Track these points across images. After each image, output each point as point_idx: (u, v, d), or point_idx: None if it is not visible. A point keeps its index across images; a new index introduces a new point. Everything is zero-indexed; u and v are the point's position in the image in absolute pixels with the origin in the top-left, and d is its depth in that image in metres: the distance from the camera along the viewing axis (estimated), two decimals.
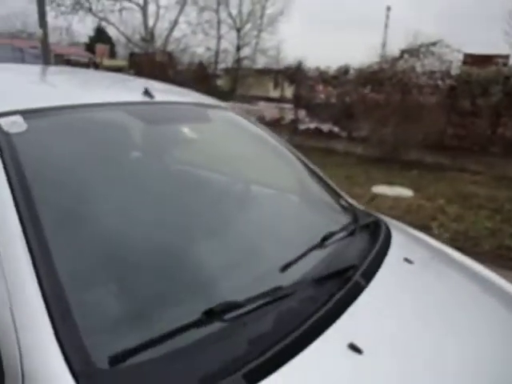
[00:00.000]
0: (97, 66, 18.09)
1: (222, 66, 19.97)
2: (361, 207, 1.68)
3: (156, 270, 0.86)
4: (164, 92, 1.51)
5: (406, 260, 1.22)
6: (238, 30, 19.89)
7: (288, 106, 10.64)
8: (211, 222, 1.14)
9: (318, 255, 1.12)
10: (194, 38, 19.11)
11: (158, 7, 18.16)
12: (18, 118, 0.94)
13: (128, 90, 1.35)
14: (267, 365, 0.71)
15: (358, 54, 13.05)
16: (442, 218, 4.53)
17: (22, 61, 13.63)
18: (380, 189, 5.73)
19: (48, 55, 10.39)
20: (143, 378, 0.66)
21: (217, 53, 19.46)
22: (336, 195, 1.64)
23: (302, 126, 9.90)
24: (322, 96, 9.53)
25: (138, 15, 18.00)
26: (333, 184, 1.72)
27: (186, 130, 1.32)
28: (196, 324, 0.75)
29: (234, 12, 19.33)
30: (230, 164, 1.50)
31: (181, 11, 18.09)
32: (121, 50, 25.16)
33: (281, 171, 1.68)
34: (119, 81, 1.44)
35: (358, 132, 8.53)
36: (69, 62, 17.33)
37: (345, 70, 8.75)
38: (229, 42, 19.38)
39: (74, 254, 0.78)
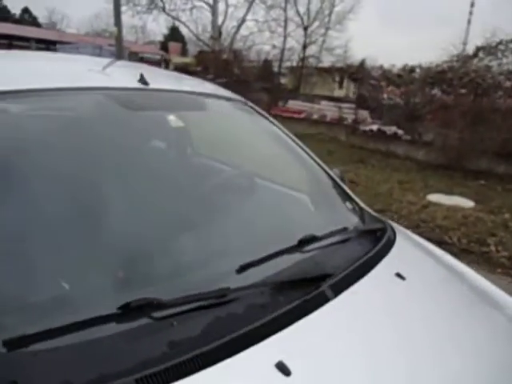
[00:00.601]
0: (167, 64, 18.98)
1: (287, 64, 19.92)
2: (372, 212, 1.51)
3: (82, 258, 0.81)
4: (164, 81, 1.47)
5: (398, 275, 1.06)
6: (305, 28, 19.67)
7: (351, 105, 10.26)
8: (178, 211, 1.06)
9: (292, 259, 1.00)
10: (261, 35, 19.27)
11: (227, 5, 18.58)
12: None
13: (125, 76, 1.33)
14: (168, 373, 0.63)
15: (433, 52, 12.17)
16: (503, 235, 4.03)
17: (100, 54, 14.76)
18: (436, 197, 5.28)
19: (121, 52, 11.09)
20: (38, 366, 0.62)
21: (282, 51, 19.42)
22: (343, 197, 1.49)
23: (364, 127, 9.48)
24: (385, 96, 9.04)
25: (208, 14, 18.58)
26: (342, 184, 1.57)
27: (171, 117, 1.27)
28: (107, 318, 0.69)
29: (302, 10, 19.13)
30: (216, 152, 1.41)
31: (249, 9, 18.34)
32: (191, 48, 26.18)
33: (279, 164, 1.57)
34: (124, 68, 1.43)
35: (421, 135, 7.95)
36: (142, 60, 18.41)
37: (410, 69, 8.21)
38: (295, 40, 19.24)
39: None
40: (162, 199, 1.04)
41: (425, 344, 0.87)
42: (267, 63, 18.93)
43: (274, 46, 19.38)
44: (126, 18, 19.05)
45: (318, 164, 1.58)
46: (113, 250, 0.87)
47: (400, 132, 8.62)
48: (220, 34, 18.43)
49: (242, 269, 0.90)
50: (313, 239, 1.07)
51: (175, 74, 1.90)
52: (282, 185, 1.53)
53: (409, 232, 1.48)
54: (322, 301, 0.87)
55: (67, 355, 0.64)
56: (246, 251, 0.99)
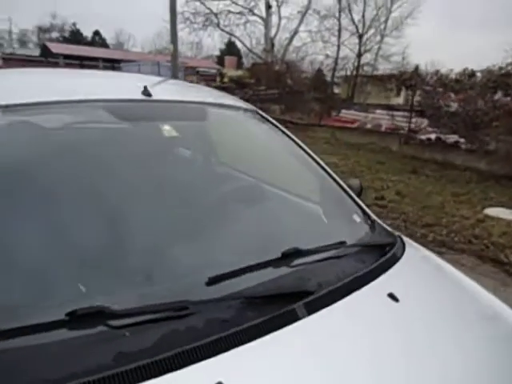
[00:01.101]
0: (222, 77, 19.57)
1: (340, 73, 19.65)
2: (384, 225, 1.39)
3: (43, 263, 0.82)
4: (170, 92, 1.48)
5: (391, 296, 0.95)
6: (360, 36, 19.28)
7: (406, 114, 9.79)
8: (168, 218, 1.05)
9: (270, 273, 0.94)
10: (314, 46, 19.21)
11: (280, 18, 18.79)
12: None
13: (131, 89, 1.36)
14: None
15: (501, 55, 11.23)
16: None
17: (158, 72, 15.73)
18: (495, 211, 4.82)
19: (175, 67, 11.68)
20: None
21: (336, 60, 19.20)
22: (353, 209, 1.40)
23: (421, 136, 8.96)
24: (442, 103, 8.51)
25: (261, 27, 18.93)
26: (354, 195, 1.47)
27: (166, 127, 1.27)
28: (53, 324, 0.69)
29: (357, 18, 18.79)
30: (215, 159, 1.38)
31: (301, 21, 18.40)
32: (247, 62, 26.79)
33: (287, 173, 1.52)
34: (133, 81, 1.46)
35: (483, 144, 7.35)
36: (197, 73, 19.23)
37: (470, 73, 7.66)
38: (349, 48, 18.94)
39: None
40: (154, 207, 1.04)
41: (401, 379, 0.77)
42: (320, 73, 18.79)
43: (327, 56, 19.26)
44: (184, 35, 20.07)
45: (329, 174, 1.51)
46: (81, 256, 0.87)
47: (461, 140, 8.02)
48: (273, 46, 18.68)
49: (212, 281, 0.87)
50: (297, 253, 1.00)
51: (196, 86, 1.93)
52: (289, 193, 1.48)
53: (423, 249, 1.34)
54: (290, 319, 0.81)
55: (6, 359, 0.65)
56: (225, 263, 0.95)
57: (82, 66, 21.08)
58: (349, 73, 19.14)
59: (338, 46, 18.73)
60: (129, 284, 0.86)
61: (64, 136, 1.13)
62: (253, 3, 18.54)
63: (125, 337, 0.71)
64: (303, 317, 0.83)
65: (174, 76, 11.56)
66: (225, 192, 1.27)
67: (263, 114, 1.67)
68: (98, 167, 1.09)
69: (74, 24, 37.19)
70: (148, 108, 1.29)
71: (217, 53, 32.48)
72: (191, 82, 18.68)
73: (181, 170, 1.22)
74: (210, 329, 0.76)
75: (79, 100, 1.19)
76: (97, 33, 37.24)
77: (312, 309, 0.85)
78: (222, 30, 18.92)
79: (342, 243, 1.14)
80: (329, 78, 19.02)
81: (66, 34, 36.85)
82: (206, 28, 18.48)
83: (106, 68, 20.96)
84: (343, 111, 14.48)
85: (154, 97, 1.29)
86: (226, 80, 18.88)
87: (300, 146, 1.56)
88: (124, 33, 51.47)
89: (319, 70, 18.93)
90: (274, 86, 16.21)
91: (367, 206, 4.59)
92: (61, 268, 0.83)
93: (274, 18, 19.01)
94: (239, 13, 18.40)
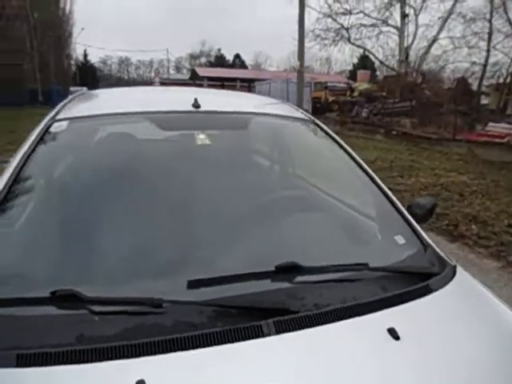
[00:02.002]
0: (352, 91, 19.28)
1: (489, 81, 17.28)
2: (440, 253, 1.17)
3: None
4: (221, 104, 1.55)
5: (391, 332, 0.79)
6: None
7: None
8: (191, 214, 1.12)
9: (257, 285, 0.90)
10: (455, 53, 17.34)
11: (417, 26, 17.54)
12: (65, 123, 1.28)
13: (185, 101, 1.47)
14: (44, 358, 0.68)
15: None
16: None
17: (287, 89, 16.52)
18: None
19: (300, 83, 12.08)
20: None
21: (484, 67, 16.95)
22: (400, 229, 1.22)
23: None
24: None
25: (395, 37, 17.98)
26: (407, 214, 1.28)
27: (201, 136, 1.32)
28: (34, 300, 0.80)
29: None
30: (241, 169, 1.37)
31: (442, 26, 16.82)
32: (380, 74, 25.81)
33: (336, 184, 1.47)
34: (200, 95, 1.57)
35: None
36: (326, 88, 19.40)
37: None
38: (503, 53, 16.47)
39: None
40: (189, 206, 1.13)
41: None
42: (463, 82, 16.81)
43: (473, 63, 17.15)
44: (317, 51, 20.47)
45: (381, 188, 1.35)
46: (89, 247, 0.99)
47: None
48: (407, 56, 17.54)
49: (191, 285, 0.88)
50: (294, 268, 0.93)
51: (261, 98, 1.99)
52: (337, 203, 1.40)
53: (481, 287, 1.07)
54: (252, 335, 0.76)
55: None
56: (213, 268, 0.96)
57: (223, 87, 23.46)
58: (501, 80, 16.63)
59: (488, 51, 16.47)
60: (114, 276, 0.94)
61: (147, 145, 1.35)
62: (387, 14, 17.81)
63: (91, 321, 0.77)
64: (269, 335, 0.77)
65: (299, 91, 11.92)
66: (267, 198, 1.26)
67: (321, 125, 1.61)
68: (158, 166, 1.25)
69: (219, 49, 41.99)
70: (192, 118, 1.39)
71: (350, 67, 32.15)
72: (318, 97, 18.95)
73: (221, 175, 1.27)
74: (170, 329, 0.77)
75: (136, 112, 1.37)
76: (237, 56, 41.08)
77: (282, 329, 0.78)
78: (353, 44, 18.64)
79: (363, 265, 1.01)
80: (475, 88, 16.89)
81: (212, 59, 41.65)
82: (337, 43, 18.48)
83: (242, 87, 22.87)
84: (490, 124, 12.63)
85: (202, 108, 1.38)
86: (355, 94, 18.52)
87: (353, 159, 1.45)
88: (262, 54, 55.41)
89: (462, 79, 16.98)
90: (406, 98, 15.15)
91: (493, 233, 4.02)
92: (65, 254, 0.97)
93: (410, 27, 17.88)
94: (372, 25, 17.89)
